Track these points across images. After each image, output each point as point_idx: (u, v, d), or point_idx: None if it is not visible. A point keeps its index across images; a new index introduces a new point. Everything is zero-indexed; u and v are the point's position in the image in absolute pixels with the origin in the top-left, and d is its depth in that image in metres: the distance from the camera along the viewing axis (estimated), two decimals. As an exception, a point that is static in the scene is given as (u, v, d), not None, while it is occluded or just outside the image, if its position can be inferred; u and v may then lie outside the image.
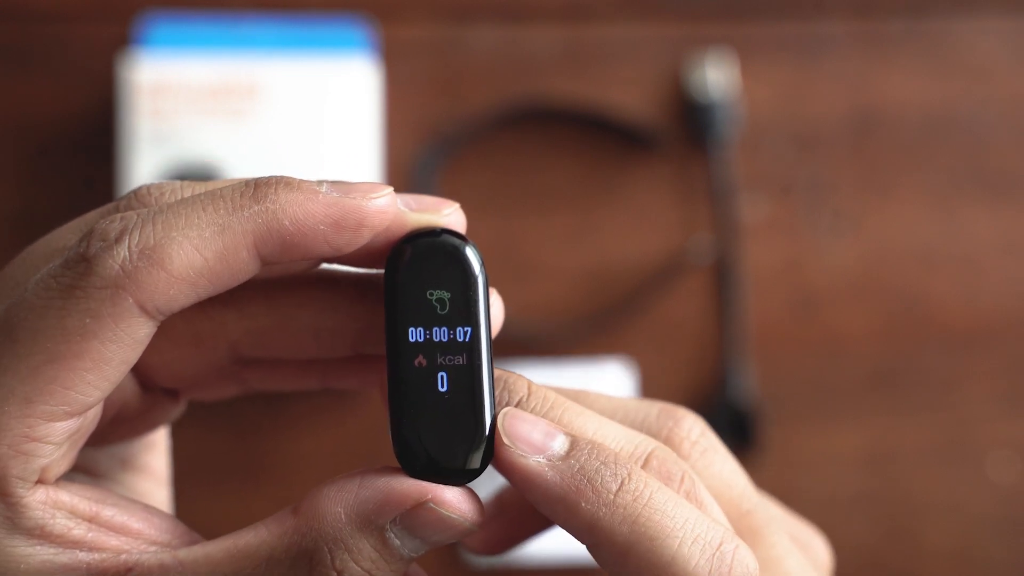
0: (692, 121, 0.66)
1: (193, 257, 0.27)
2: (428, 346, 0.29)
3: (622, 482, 0.28)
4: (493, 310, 0.30)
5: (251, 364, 0.33)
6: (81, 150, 0.64)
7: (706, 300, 0.66)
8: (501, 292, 0.31)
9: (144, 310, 0.27)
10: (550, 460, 0.29)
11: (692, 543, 0.28)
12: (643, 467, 0.30)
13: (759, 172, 0.67)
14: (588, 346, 0.65)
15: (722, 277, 0.66)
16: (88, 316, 0.27)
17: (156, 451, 0.36)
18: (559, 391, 0.32)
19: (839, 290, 0.66)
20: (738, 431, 0.64)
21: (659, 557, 0.28)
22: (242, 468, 0.64)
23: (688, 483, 0.30)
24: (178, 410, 0.34)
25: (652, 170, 0.67)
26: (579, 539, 0.29)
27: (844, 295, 0.66)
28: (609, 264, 0.66)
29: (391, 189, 0.29)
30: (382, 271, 0.30)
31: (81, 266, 0.27)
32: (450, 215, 0.31)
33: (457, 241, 0.30)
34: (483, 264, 0.30)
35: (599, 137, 0.67)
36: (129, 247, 0.27)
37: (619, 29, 0.67)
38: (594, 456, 0.29)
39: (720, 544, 0.28)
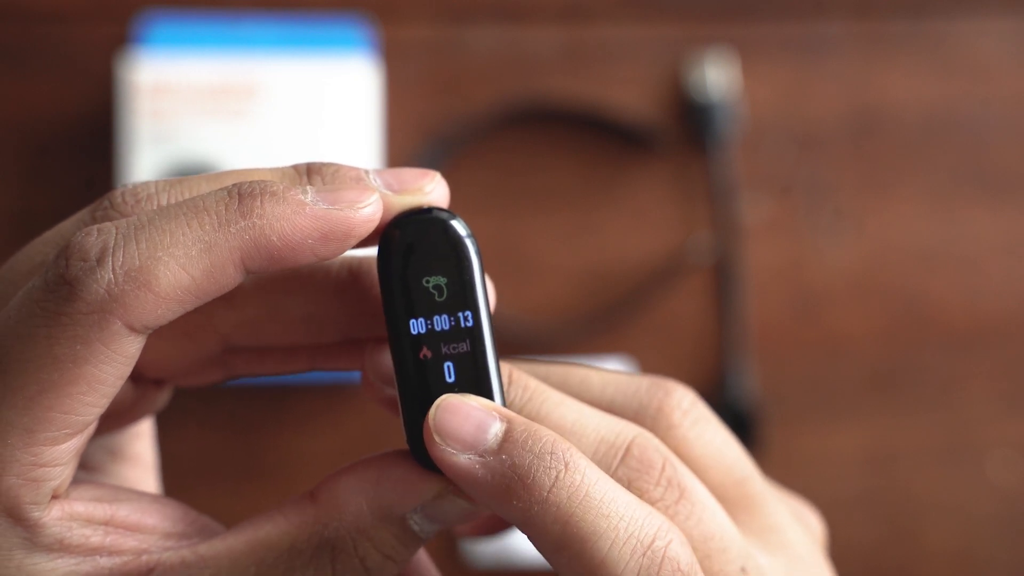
0: (692, 121, 0.66)
1: (180, 276, 0.27)
2: (431, 336, 0.29)
3: (556, 477, 0.28)
4: (488, 289, 0.30)
5: (239, 351, 0.33)
6: (81, 150, 0.64)
7: (706, 300, 0.66)
8: (501, 291, 0.31)
9: (132, 329, 0.27)
10: (482, 456, 0.28)
11: (624, 544, 0.28)
12: (623, 457, 0.30)
13: (759, 172, 0.67)
14: (588, 345, 0.65)
15: (722, 277, 0.66)
16: (78, 343, 0.26)
17: (143, 439, 0.36)
18: (549, 371, 0.32)
19: (839, 290, 0.66)
20: (738, 431, 0.64)
21: (590, 559, 0.28)
22: (243, 467, 0.64)
23: (669, 470, 0.30)
24: (165, 398, 0.34)
25: (652, 170, 0.67)
26: (516, 527, 0.29)
27: (844, 295, 0.66)
28: (609, 264, 0.66)
29: (377, 194, 0.29)
30: (372, 255, 0.30)
31: (64, 290, 0.26)
32: (433, 190, 0.30)
33: (445, 222, 0.29)
34: (475, 241, 0.30)
35: (599, 137, 0.67)
36: (113, 268, 0.26)
37: (619, 29, 0.67)
38: (528, 448, 0.28)
39: (652, 541, 0.28)
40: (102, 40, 0.64)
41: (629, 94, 0.67)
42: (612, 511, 0.28)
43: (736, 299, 0.65)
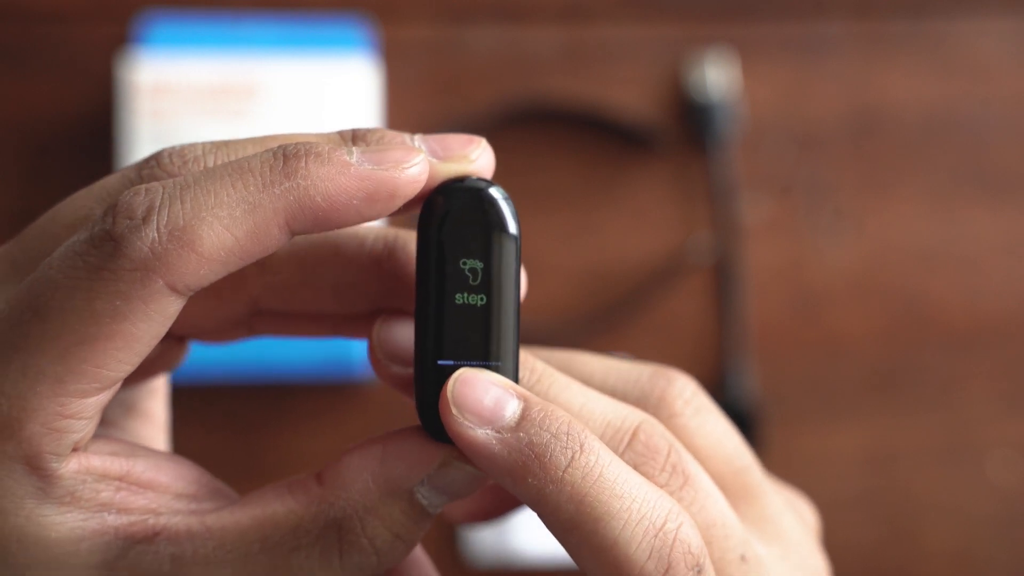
0: (692, 121, 0.66)
1: (224, 237, 0.27)
2: (459, 307, 0.29)
3: (572, 457, 0.28)
4: (521, 269, 0.30)
5: (266, 313, 0.33)
6: (81, 150, 0.64)
7: (706, 300, 0.66)
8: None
9: (174, 289, 0.27)
10: (499, 432, 0.28)
11: (636, 524, 0.28)
12: (630, 441, 0.30)
13: (759, 172, 0.67)
14: (588, 345, 0.65)
15: (722, 277, 0.66)
16: (118, 299, 0.27)
17: (157, 397, 0.35)
18: (551, 356, 0.32)
19: (839, 290, 0.66)
20: (738, 431, 0.64)
21: (602, 539, 0.28)
22: (243, 467, 0.64)
23: (674, 456, 0.30)
24: (184, 354, 0.34)
25: (652, 170, 0.67)
26: (528, 506, 0.29)
27: (844, 295, 0.66)
28: (609, 264, 0.66)
29: (423, 154, 0.29)
30: (411, 231, 0.30)
31: (108, 246, 0.27)
32: (478, 158, 0.30)
33: (490, 193, 0.29)
34: (516, 215, 0.29)
35: (599, 137, 0.67)
36: (158, 227, 0.26)
37: (619, 29, 0.67)
38: (545, 427, 0.28)
39: (664, 523, 0.28)
40: (102, 40, 0.64)
41: (629, 94, 0.67)
42: (625, 492, 0.28)
43: (736, 299, 0.65)
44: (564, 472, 0.28)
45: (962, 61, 0.68)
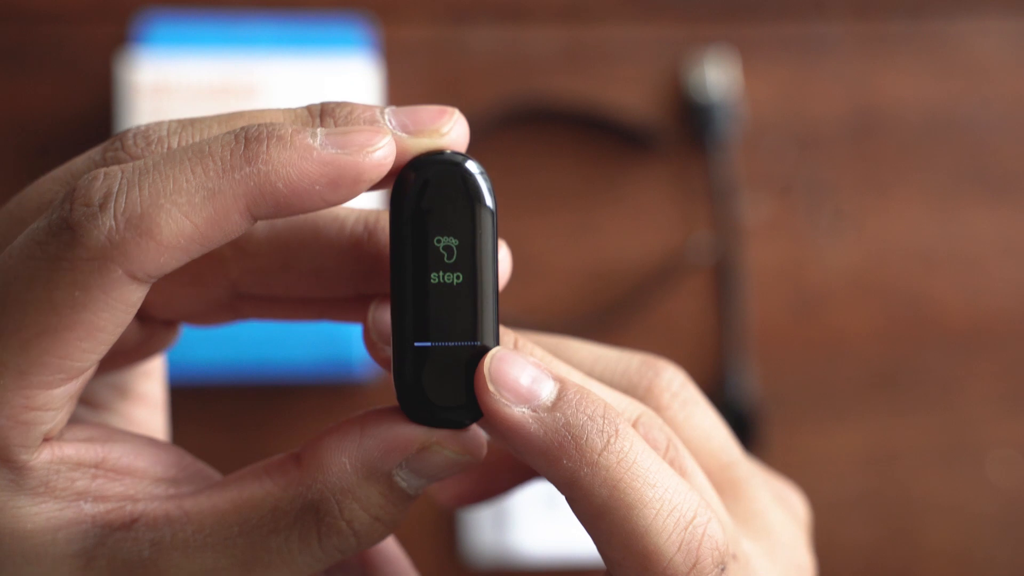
0: (692, 121, 0.66)
1: (182, 224, 0.26)
2: (435, 286, 0.28)
3: (608, 441, 0.27)
4: (501, 254, 0.29)
5: (250, 298, 0.32)
6: (81, 150, 0.64)
7: (706, 300, 0.66)
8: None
9: (134, 278, 0.26)
10: (535, 411, 0.28)
11: (668, 515, 0.27)
12: None
13: (759, 172, 0.67)
14: (588, 346, 0.65)
15: (722, 277, 0.66)
16: (76, 289, 0.26)
17: (152, 378, 0.35)
18: (539, 339, 0.32)
19: (839, 290, 0.66)
20: (738, 431, 0.64)
21: (633, 526, 0.27)
22: (242, 467, 0.64)
23: (672, 451, 0.30)
24: (174, 337, 0.34)
25: (652, 170, 0.67)
26: (558, 490, 0.28)
27: (844, 295, 0.66)
28: (609, 264, 0.66)
29: (389, 136, 0.28)
30: (387, 211, 0.29)
31: (65, 235, 0.26)
32: (450, 131, 0.29)
33: (463, 167, 0.28)
34: (491, 187, 0.29)
35: (599, 137, 0.67)
36: (115, 215, 0.26)
37: (619, 29, 0.67)
38: (582, 409, 0.28)
39: (694, 517, 0.28)
40: (102, 40, 0.64)
41: (629, 94, 0.67)
42: (658, 481, 0.28)
43: (736, 299, 0.65)
44: (599, 456, 0.27)
45: (962, 61, 0.68)
